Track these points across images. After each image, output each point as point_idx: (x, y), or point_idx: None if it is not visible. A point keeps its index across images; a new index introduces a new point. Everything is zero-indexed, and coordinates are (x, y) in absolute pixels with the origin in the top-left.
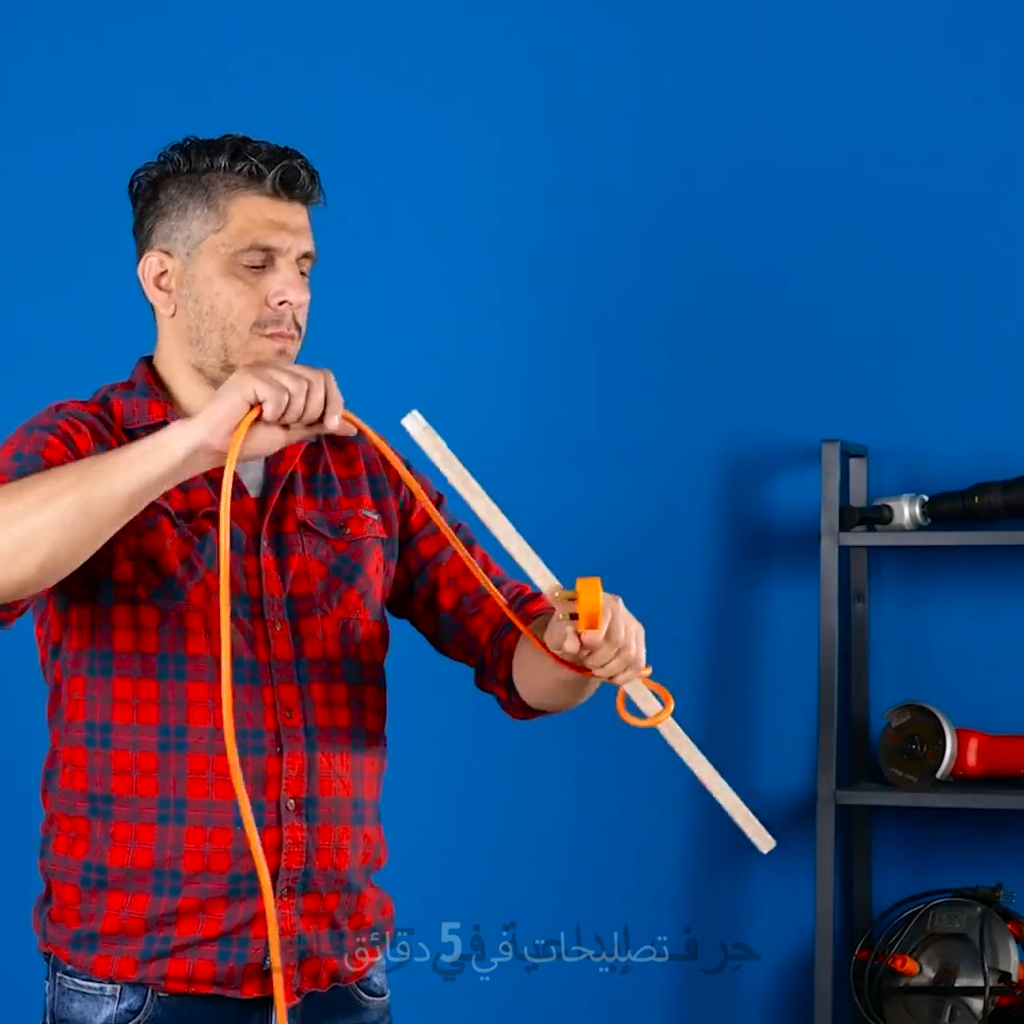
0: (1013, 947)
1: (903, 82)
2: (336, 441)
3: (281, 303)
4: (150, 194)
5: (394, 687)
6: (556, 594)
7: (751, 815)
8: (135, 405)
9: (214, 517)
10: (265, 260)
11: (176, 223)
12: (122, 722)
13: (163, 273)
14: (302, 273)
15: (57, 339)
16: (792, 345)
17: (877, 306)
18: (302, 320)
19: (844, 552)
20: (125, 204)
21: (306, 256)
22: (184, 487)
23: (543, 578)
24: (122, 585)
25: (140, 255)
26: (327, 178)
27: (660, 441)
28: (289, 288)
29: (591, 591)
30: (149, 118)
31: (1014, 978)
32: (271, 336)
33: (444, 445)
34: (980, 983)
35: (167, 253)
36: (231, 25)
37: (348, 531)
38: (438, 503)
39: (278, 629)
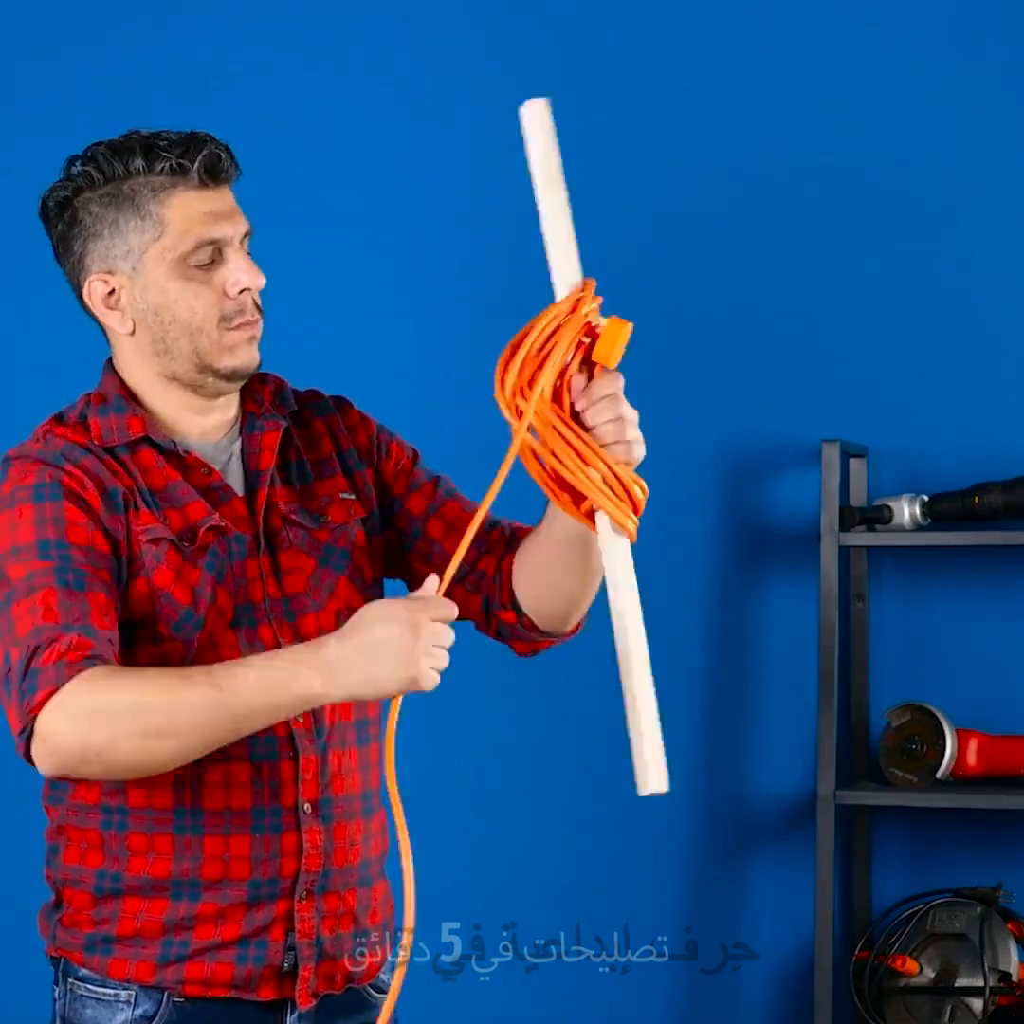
0: (1013, 947)
1: (903, 83)
2: (301, 420)
3: (242, 292)
4: (69, 216)
5: None
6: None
7: (658, 750)
8: (113, 422)
9: (217, 530)
10: (213, 255)
11: (111, 241)
12: None
13: (110, 292)
14: (249, 253)
15: (54, 339)
16: (792, 345)
17: (877, 306)
18: (259, 300)
19: (844, 552)
20: None
21: (246, 235)
22: (178, 503)
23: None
24: (144, 625)
25: (75, 280)
26: (319, 174)
27: (660, 441)
28: (245, 275)
29: (618, 330)
30: (145, 120)
31: (1014, 978)
32: (238, 327)
33: (553, 143)
34: (980, 983)
35: (109, 272)
36: (224, 24)
37: (329, 518)
38: (414, 460)
39: (282, 629)
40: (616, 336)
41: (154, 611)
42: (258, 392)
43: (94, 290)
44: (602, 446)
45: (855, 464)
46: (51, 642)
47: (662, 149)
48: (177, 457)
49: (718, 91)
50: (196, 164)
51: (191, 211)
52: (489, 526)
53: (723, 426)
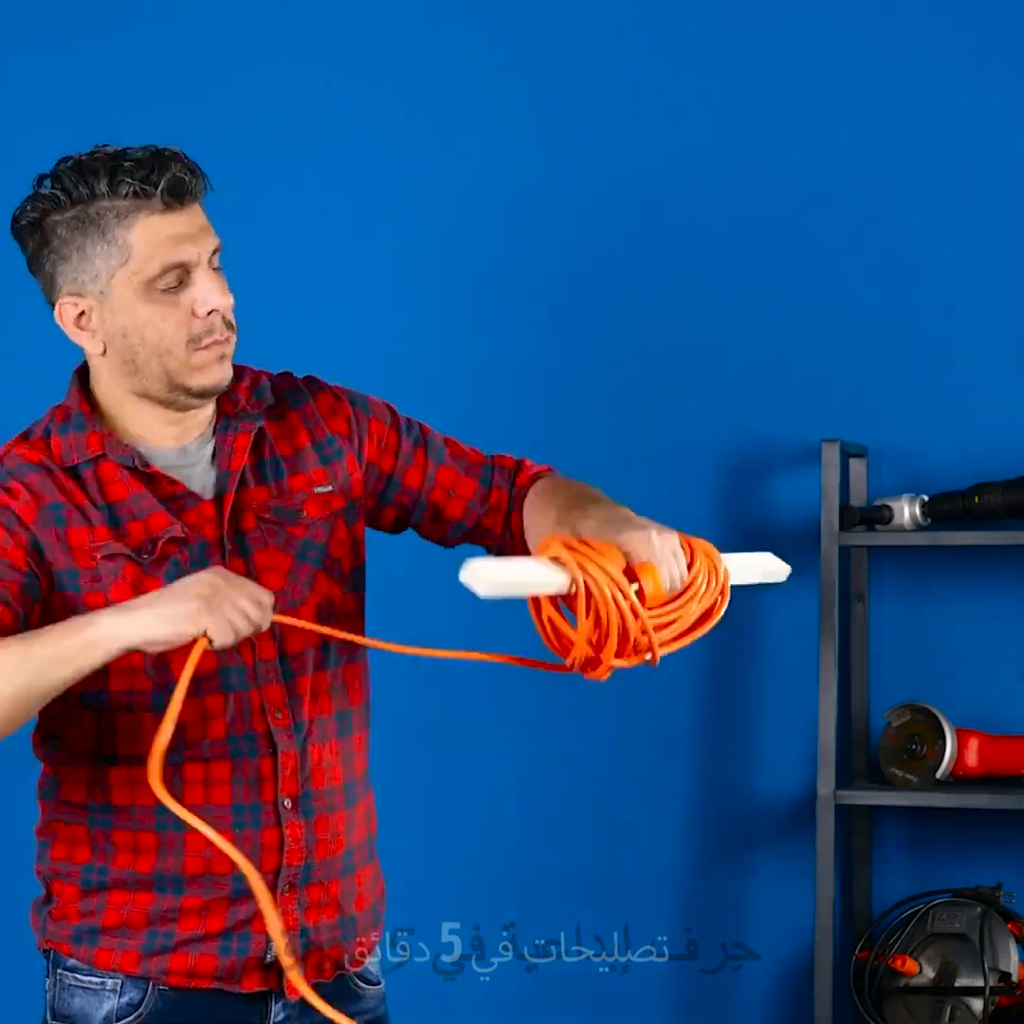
0: (1013, 947)
1: (899, 86)
2: (276, 414)
3: (209, 313)
4: (39, 236)
5: (393, 686)
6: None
7: (760, 558)
8: (72, 440)
9: (178, 541)
10: (180, 277)
11: (79, 265)
12: (124, 751)
13: (81, 314)
14: (216, 268)
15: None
16: (792, 345)
17: (877, 306)
18: (231, 317)
19: (844, 552)
20: None
21: (215, 252)
22: (141, 514)
23: None
24: None
25: (48, 298)
26: (321, 178)
27: (660, 441)
28: (212, 296)
29: (650, 578)
30: (150, 125)
31: (1014, 978)
32: (208, 347)
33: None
34: (980, 983)
35: (79, 294)
36: (242, 35)
37: (305, 514)
38: (395, 428)
39: (260, 632)
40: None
41: None
42: (233, 391)
43: (65, 312)
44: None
45: (855, 464)
46: None
47: (662, 148)
48: (139, 471)
49: (716, 92)
50: (160, 187)
51: (156, 235)
52: (485, 491)
53: (723, 426)
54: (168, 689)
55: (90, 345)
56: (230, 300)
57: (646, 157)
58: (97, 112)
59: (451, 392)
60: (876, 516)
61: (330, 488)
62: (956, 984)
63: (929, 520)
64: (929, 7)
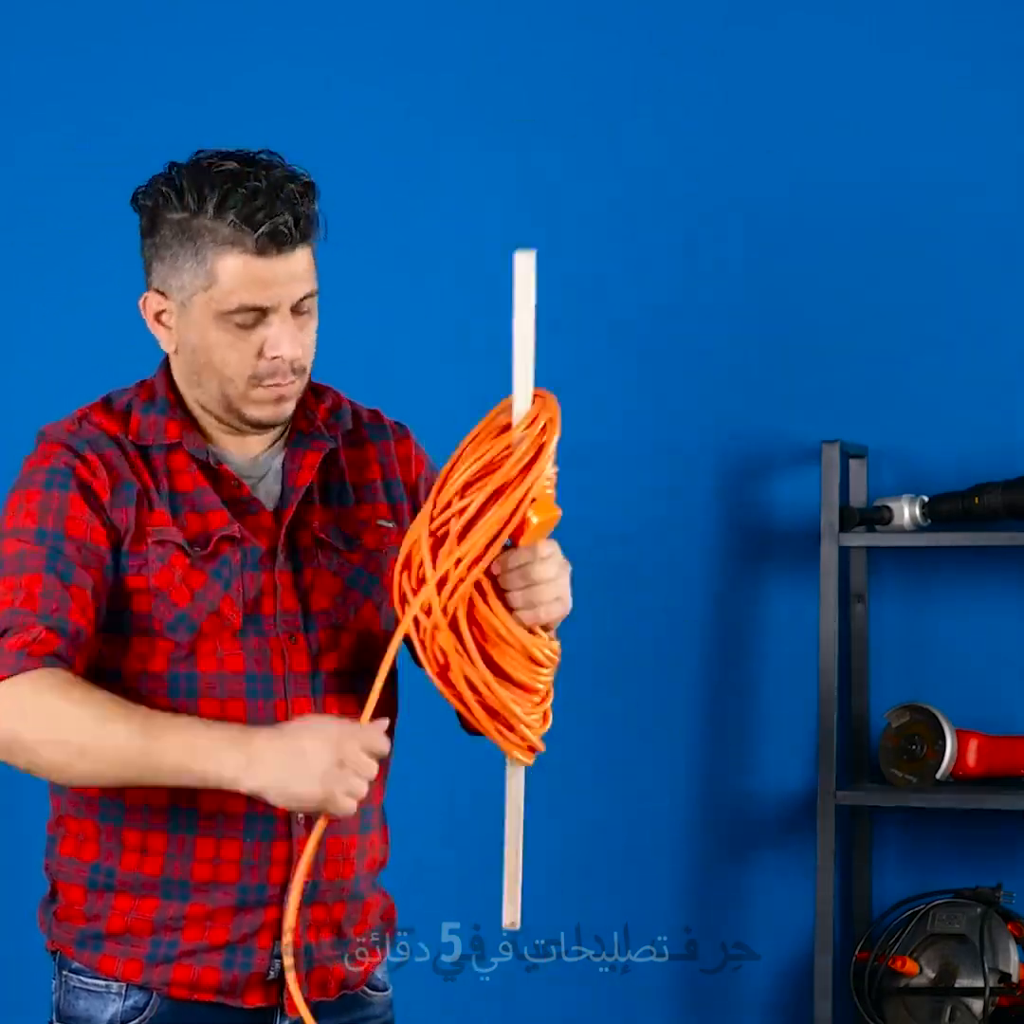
0: (1013, 948)
1: (899, 86)
2: (354, 441)
3: (274, 357)
4: (149, 222)
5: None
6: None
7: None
8: (152, 422)
9: (232, 540)
10: (256, 318)
11: (169, 270)
12: None
13: (162, 311)
14: (304, 312)
15: (56, 337)
16: (792, 345)
17: (877, 306)
18: (306, 362)
19: (844, 552)
20: (128, 209)
21: (306, 297)
22: (201, 508)
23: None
24: (139, 617)
25: (144, 275)
26: (347, 192)
27: (660, 441)
28: (282, 343)
29: (543, 509)
30: (150, 125)
31: (1014, 979)
32: (268, 387)
33: (533, 298)
34: (980, 984)
35: (164, 295)
36: (242, 35)
37: (362, 542)
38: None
39: (295, 643)
40: (545, 522)
41: (151, 608)
42: (311, 409)
43: (149, 304)
44: (512, 611)
45: (855, 464)
46: (22, 628)
47: (663, 150)
48: (209, 467)
49: (718, 93)
50: (260, 230)
51: (243, 275)
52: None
53: (723, 426)
54: (187, 675)
55: (165, 342)
56: (299, 352)
57: (645, 157)
58: (97, 112)
59: (450, 391)
60: (876, 517)
61: (392, 524)
62: (956, 985)
63: (929, 521)
64: (929, 7)
